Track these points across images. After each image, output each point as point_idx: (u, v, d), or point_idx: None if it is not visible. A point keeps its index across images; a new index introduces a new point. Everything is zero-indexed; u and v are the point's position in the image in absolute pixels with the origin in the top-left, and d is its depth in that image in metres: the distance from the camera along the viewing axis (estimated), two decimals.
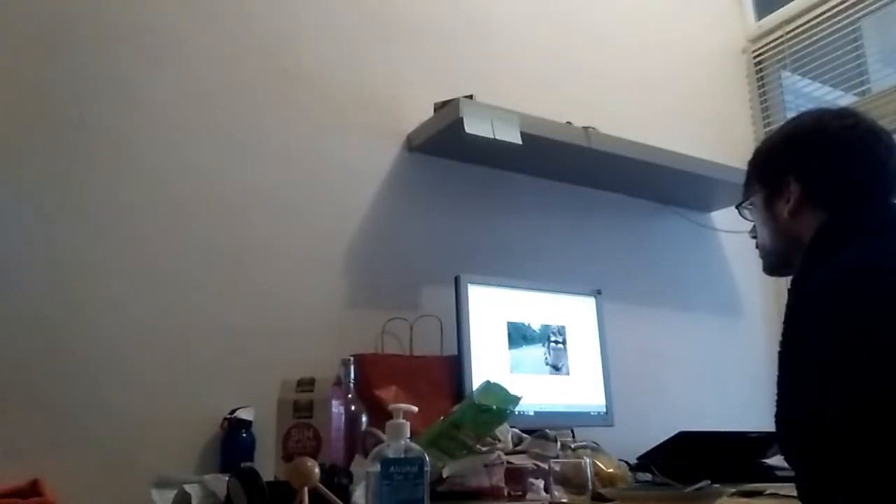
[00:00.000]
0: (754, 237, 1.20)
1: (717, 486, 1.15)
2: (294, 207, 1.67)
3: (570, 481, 1.13)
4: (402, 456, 0.92)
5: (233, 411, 1.43)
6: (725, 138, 2.50)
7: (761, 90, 2.70)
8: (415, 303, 1.78)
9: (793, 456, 0.95)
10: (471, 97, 1.76)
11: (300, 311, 1.62)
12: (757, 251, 1.20)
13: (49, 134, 1.43)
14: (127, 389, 1.39)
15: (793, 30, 2.59)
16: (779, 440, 0.97)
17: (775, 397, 0.97)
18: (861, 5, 2.39)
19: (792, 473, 0.95)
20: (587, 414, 1.80)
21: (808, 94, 2.59)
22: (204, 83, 1.62)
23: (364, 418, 1.39)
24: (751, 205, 1.19)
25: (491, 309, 1.71)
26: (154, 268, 1.48)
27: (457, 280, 1.67)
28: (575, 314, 1.86)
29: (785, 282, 1.07)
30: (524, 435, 1.47)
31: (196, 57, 1.62)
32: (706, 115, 2.54)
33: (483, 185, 1.97)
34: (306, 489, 0.91)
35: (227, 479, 1.04)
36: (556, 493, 1.14)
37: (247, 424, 1.43)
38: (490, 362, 1.66)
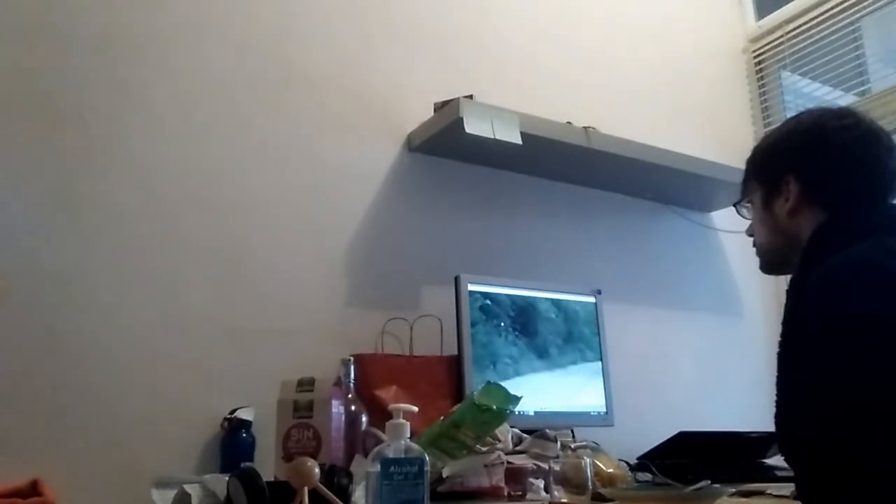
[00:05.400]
0: (751, 235, 1.20)
1: (717, 486, 1.14)
2: (294, 207, 1.67)
3: (570, 481, 1.13)
4: (402, 456, 0.92)
5: (233, 411, 1.44)
6: (725, 138, 2.50)
7: (761, 90, 2.70)
8: (415, 303, 1.78)
9: (792, 455, 0.95)
10: (471, 97, 1.76)
11: (300, 311, 1.62)
12: (755, 250, 1.20)
13: (49, 134, 1.43)
14: (127, 390, 1.39)
15: (793, 30, 2.59)
16: (778, 440, 0.97)
17: (775, 397, 0.97)
18: (861, 5, 2.39)
19: (792, 473, 0.95)
20: (587, 414, 1.80)
21: (808, 94, 2.59)
22: (203, 84, 1.62)
23: (364, 418, 1.39)
24: (749, 203, 1.20)
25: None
26: (154, 268, 1.48)
27: (457, 280, 1.67)
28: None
29: (785, 281, 1.07)
30: (524, 435, 1.47)
31: (196, 57, 1.62)
32: (706, 115, 2.54)
33: (483, 185, 1.97)
34: (306, 489, 0.91)
35: (227, 479, 1.03)
36: (556, 493, 1.14)
37: (247, 424, 1.44)
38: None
